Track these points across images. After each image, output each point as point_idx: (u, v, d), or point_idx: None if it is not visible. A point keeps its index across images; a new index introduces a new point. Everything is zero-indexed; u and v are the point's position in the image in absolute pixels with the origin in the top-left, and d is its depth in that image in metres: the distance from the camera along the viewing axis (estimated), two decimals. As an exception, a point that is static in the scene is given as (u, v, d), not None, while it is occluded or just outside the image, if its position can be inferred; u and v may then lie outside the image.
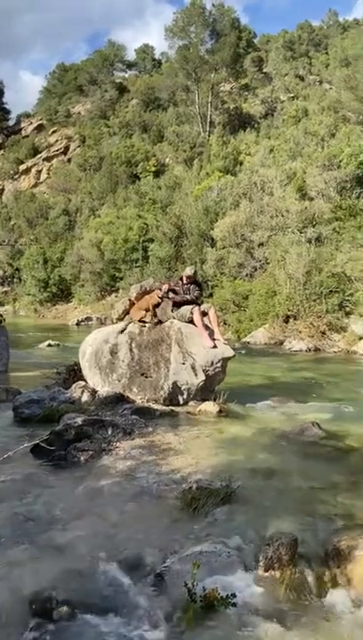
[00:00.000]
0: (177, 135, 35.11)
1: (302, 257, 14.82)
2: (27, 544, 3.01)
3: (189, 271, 7.24)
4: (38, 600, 2.48)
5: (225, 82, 42.61)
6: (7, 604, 2.46)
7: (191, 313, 6.82)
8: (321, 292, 14.06)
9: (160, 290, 7.02)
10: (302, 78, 42.70)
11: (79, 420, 4.89)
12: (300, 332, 13.77)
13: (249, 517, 3.34)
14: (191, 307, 6.89)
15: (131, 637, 2.35)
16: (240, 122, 38.63)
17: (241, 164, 28.54)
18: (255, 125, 37.63)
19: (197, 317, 6.78)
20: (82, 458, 4.45)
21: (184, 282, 7.12)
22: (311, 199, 19.72)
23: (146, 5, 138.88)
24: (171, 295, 7.01)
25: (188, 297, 6.99)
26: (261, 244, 18.74)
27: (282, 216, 18.94)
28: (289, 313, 14.40)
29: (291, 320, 14.36)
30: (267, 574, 2.84)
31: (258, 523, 3.27)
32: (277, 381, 9.12)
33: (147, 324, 6.82)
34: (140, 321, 6.86)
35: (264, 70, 45.23)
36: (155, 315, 6.92)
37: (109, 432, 4.95)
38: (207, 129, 37.09)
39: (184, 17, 38.65)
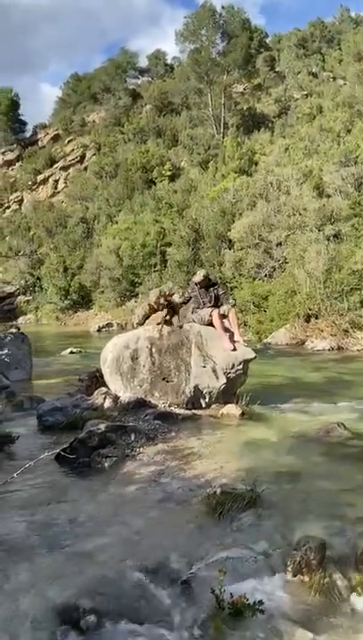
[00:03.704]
0: (191, 138, 35.17)
1: (322, 255, 14.66)
2: (53, 552, 3.02)
3: (197, 278, 7.18)
4: (66, 609, 2.47)
5: (238, 83, 42.53)
6: (34, 613, 2.46)
7: (210, 316, 6.80)
8: (342, 290, 13.89)
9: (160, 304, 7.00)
10: (315, 75, 42.36)
11: (102, 427, 4.90)
12: (322, 330, 13.60)
13: (275, 521, 3.30)
14: (210, 309, 6.87)
15: (159, 646, 2.33)
16: (254, 122, 38.47)
17: (256, 164, 28.40)
18: (269, 125, 37.43)
19: (216, 320, 6.75)
20: (106, 464, 4.46)
21: (200, 286, 7.11)
22: (329, 196, 19.52)
23: (162, 12, 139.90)
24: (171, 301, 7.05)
25: (207, 303, 6.99)
26: (279, 244, 18.62)
27: (299, 215, 18.79)
28: (310, 312, 14.25)
29: (312, 319, 14.21)
30: (295, 579, 2.79)
31: (285, 527, 3.23)
32: (300, 382, 9.03)
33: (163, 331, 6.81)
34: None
35: (277, 69, 44.95)
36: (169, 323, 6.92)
37: (132, 438, 4.96)
38: (221, 131, 37.01)
39: (195, 20, 38.73)
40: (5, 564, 2.87)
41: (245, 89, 43.57)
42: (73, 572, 2.79)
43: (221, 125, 37.46)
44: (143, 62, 52.46)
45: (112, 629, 2.41)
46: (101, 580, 2.71)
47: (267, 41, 49.27)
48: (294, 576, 2.80)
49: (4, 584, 2.69)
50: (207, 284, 7.18)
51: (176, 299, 7.19)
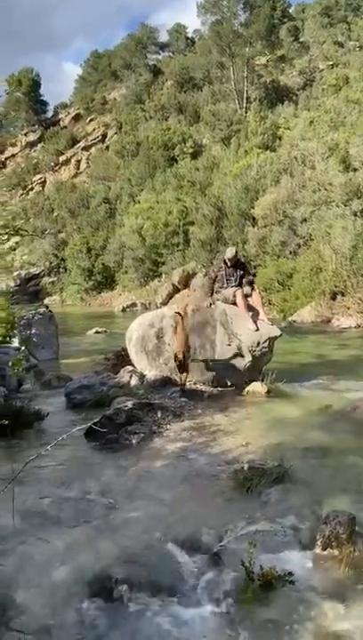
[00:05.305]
0: (213, 114, 34.46)
1: (348, 231, 14.35)
2: (84, 525, 3.09)
3: (229, 254, 7.10)
4: (98, 579, 2.54)
5: (260, 55, 41.29)
6: (68, 583, 2.53)
7: (234, 296, 6.76)
8: (369, 267, 13.61)
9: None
10: (341, 45, 40.90)
11: (129, 404, 4.97)
12: (348, 308, 13.40)
13: (303, 496, 3.31)
14: (234, 289, 6.82)
15: (190, 616, 2.37)
16: (278, 95, 37.51)
17: (280, 138, 27.75)
18: (294, 98, 36.46)
19: (239, 301, 6.71)
20: (133, 440, 4.53)
21: (228, 264, 7.05)
22: (355, 170, 18.99)
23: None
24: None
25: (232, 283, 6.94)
26: (304, 220, 18.26)
27: (325, 190, 18.35)
28: (336, 289, 14.02)
29: (338, 296, 13.99)
30: (325, 553, 2.80)
31: (313, 502, 3.24)
32: (326, 359, 8.94)
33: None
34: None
35: (301, 40, 43.45)
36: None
37: (159, 415, 5.02)
38: (244, 105, 36.20)
39: (216, -9, 37.67)
40: (39, 536, 2.95)
41: (268, 61, 42.30)
42: (105, 543, 2.85)
43: (244, 100, 36.63)
44: (164, 37, 51.41)
45: (144, 600, 2.46)
46: (133, 552, 2.77)
47: (290, 10, 47.57)
48: (324, 550, 2.81)
49: (39, 555, 2.77)
50: (236, 262, 7.11)
51: (198, 280, 7.17)
